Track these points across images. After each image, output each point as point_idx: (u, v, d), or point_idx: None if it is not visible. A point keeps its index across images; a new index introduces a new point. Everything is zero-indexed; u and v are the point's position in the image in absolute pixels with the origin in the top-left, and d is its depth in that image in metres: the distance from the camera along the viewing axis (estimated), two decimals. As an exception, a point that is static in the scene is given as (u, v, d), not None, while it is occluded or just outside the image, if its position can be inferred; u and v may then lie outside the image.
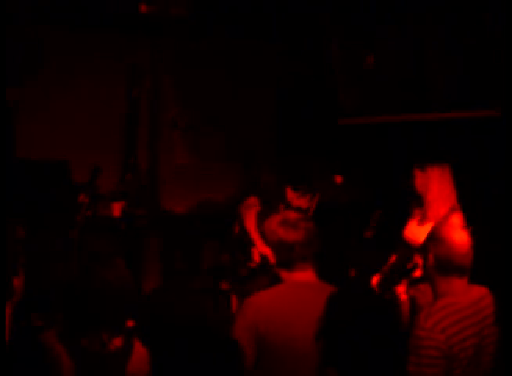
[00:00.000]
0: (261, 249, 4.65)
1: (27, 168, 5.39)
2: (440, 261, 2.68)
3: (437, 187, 4.09)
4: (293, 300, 2.70)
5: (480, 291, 2.78)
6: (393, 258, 4.26)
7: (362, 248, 4.88)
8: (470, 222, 3.93)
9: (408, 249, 3.99)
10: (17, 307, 2.41)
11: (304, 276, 2.77)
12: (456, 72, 5.48)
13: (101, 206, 5.39)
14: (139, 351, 2.61)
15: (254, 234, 4.69)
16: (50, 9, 6.02)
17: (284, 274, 2.80)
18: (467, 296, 2.70)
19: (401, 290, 3.90)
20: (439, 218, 3.92)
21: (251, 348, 2.62)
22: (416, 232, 4.02)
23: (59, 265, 4.21)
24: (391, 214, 4.64)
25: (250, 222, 4.72)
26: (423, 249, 2.78)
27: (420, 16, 5.73)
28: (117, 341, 2.56)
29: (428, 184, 4.11)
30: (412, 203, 4.27)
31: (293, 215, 2.82)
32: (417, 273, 3.69)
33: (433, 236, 2.77)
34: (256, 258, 4.68)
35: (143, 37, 6.56)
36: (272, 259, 2.84)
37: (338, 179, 4.68)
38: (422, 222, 4.10)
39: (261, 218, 4.53)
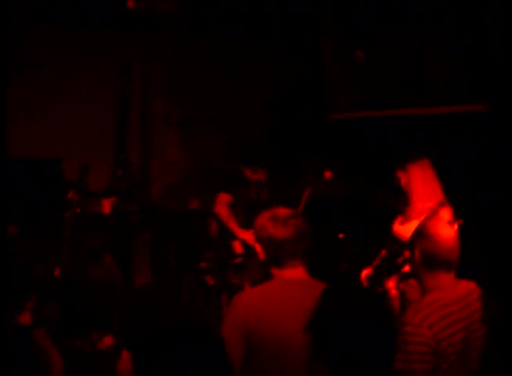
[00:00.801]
0: (242, 236, 4.83)
1: (19, 167, 5.39)
2: (426, 256, 2.68)
3: (420, 184, 4.09)
4: (283, 297, 2.68)
5: (468, 286, 2.77)
6: (383, 253, 4.26)
7: (352, 243, 4.88)
8: (465, 217, 3.90)
9: (398, 244, 3.98)
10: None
11: (295, 272, 2.74)
12: (455, 71, 5.46)
13: (91, 203, 5.39)
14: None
15: (233, 225, 4.90)
16: (50, 9, 6.02)
17: (274, 271, 2.78)
18: (455, 291, 2.68)
19: (391, 285, 3.89)
20: (426, 214, 3.90)
21: (239, 345, 2.60)
22: (404, 228, 4.01)
23: (49, 263, 4.20)
24: (382, 208, 4.64)
25: (226, 215, 4.93)
26: (410, 245, 2.76)
27: (420, 16, 5.71)
28: (108, 340, 2.55)
29: (411, 182, 4.12)
30: (399, 199, 4.27)
31: (283, 212, 2.78)
32: (407, 268, 3.67)
33: (419, 232, 2.76)
34: (238, 250, 4.85)
35: (135, 34, 6.57)
36: (261, 256, 2.81)
37: (327, 174, 4.69)
38: (408, 218, 4.10)
39: (236, 210, 4.89)
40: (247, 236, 4.73)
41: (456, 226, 3.63)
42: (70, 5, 6.04)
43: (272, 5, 6.49)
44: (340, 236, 4.84)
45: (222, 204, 4.93)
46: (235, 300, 2.78)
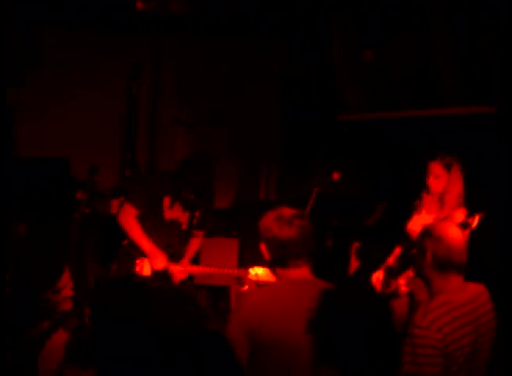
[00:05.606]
0: (152, 256, 4.19)
1: (28, 166, 5.40)
2: (438, 258, 2.65)
3: (459, 186, 4.09)
4: (287, 297, 2.66)
5: (476, 289, 2.74)
6: (395, 253, 4.23)
7: (363, 242, 4.82)
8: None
9: (411, 243, 3.96)
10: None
11: (299, 273, 2.73)
12: (462, 70, 5.43)
13: (100, 203, 5.37)
14: None
15: (143, 240, 4.22)
16: (62, 10, 6.04)
17: (279, 271, 2.77)
18: (464, 294, 2.66)
19: (401, 282, 3.86)
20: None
21: (244, 345, 2.60)
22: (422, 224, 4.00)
23: (56, 262, 4.20)
24: (393, 208, 4.60)
25: (134, 228, 4.24)
26: (419, 247, 2.73)
27: (426, 14, 5.68)
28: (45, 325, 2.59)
29: (451, 182, 4.09)
30: (420, 196, 4.25)
31: (288, 212, 2.77)
32: None
33: (429, 234, 2.72)
34: (140, 269, 4.25)
35: (144, 34, 6.58)
36: (266, 256, 2.81)
37: (335, 176, 4.60)
38: (438, 214, 4.09)
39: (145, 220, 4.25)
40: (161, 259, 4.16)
41: (475, 221, 3.61)
42: (81, 5, 6.05)
43: (276, 3, 6.44)
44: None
45: (126, 213, 4.22)
46: (240, 300, 2.78)
